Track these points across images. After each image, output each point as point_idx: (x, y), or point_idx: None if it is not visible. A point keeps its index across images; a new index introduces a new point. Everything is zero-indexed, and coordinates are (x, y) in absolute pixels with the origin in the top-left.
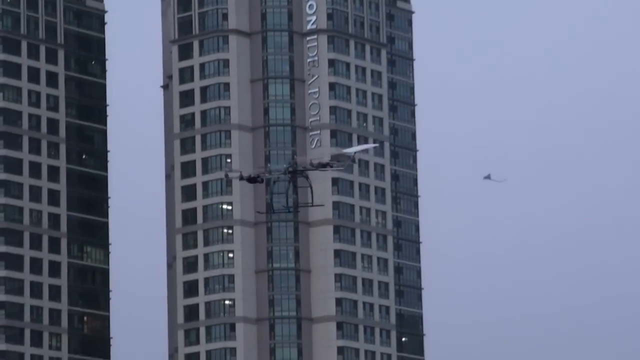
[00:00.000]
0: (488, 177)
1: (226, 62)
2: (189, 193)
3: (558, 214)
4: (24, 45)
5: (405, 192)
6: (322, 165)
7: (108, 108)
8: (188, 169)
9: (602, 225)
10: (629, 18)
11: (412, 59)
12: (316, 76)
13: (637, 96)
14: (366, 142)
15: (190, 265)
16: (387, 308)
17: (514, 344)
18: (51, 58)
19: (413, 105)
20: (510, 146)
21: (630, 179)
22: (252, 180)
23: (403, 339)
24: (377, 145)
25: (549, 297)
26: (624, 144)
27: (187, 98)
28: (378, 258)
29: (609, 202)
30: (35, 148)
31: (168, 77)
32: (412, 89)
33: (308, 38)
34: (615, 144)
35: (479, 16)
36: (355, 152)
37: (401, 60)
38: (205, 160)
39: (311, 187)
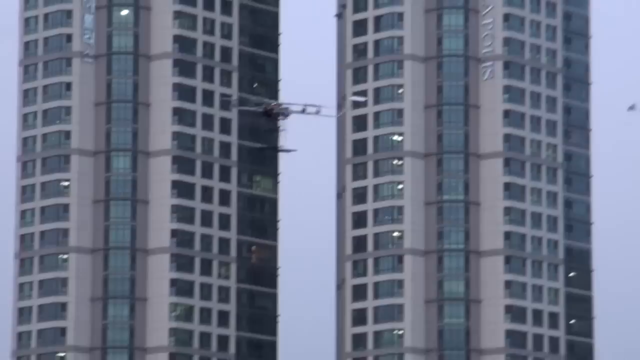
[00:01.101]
0: (633, 107)
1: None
2: (360, 124)
3: None
4: None
5: (577, 125)
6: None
7: (280, 37)
8: (359, 103)
9: None
10: None
11: None
12: (491, 7)
13: None
14: (538, 74)
15: (360, 196)
16: (556, 242)
17: None
18: None
19: (588, 37)
20: None
21: None
22: (265, 114)
23: (571, 274)
24: (364, 99)
25: None
26: None
27: (360, 27)
28: (547, 192)
29: None
30: (208, 76)
31: (342, 6)
32: (587, 21)
33: None
34: None
35: None
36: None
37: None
38: (377, 91)
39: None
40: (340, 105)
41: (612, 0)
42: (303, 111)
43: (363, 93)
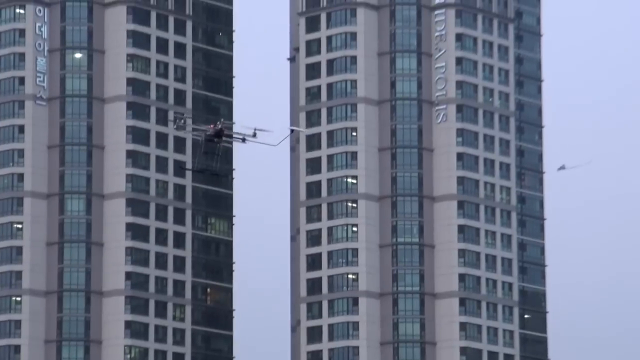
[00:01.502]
0: (562, 167)
1: (354, 35)
2: (314, 167)
3: None
4: (153, 16)
5: (530, 168)
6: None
7: (234, 80)
8: (313, 143)
9: None
10: None
11: (539, 34)
12: (443, 50)
13: None
14: (491, 117)
15: (314, 238)
16: (510, 285)
17: None
18: (179, 29)
19: (540, 80)
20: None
21: None
22: (212, 138)
23: (526, 316)
24: (304, 131)
25: None
26: None
27: (313, 71)
28: (502, 234)
29: None
30: (162, 119)
31: (295, 49)
32: (539, 65)
33: (436, 12)
34: None
35: None
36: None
37: (529, 35)
38: (330, 133)
39: (218, 155)
40: (294, 147)
41: (563, 44)
42: (254, 135)
43: (317, 136)
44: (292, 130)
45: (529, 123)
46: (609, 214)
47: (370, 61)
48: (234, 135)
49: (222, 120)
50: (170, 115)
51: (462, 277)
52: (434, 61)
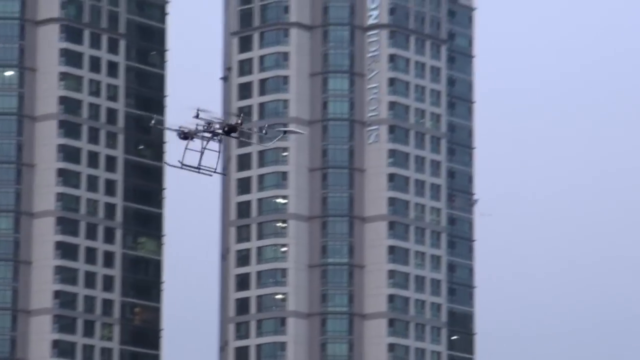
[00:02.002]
0: (476, 201)
1: (286, 55)
2: (244, 187)
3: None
4: (86, 35)
5: (460, 189)
6: (231, 129)
7: (166, 99)
8: (244, 164)
9: None
10: None
11: (472, 56)
12: (376, 71)
13: None
14: (422, 138)
15: (243, 258)
16: (439, 306)
17: (567, 343)
18: (112, 47)
19: (471, 102)
20: (569, 148)
21: None
22: (186, 136)
23: (454, 337)
24: (302, 133)
25: (604, 295)
26: None
27: (245, 90)
28: (431, 255)
29: None
30: (93, 137)
31: (227, 68)
32: (470, 86)
33: (369, 33)
34: None
35: (541, 13)
36: (273, 129)
37: (461, 56)
38: (262, 153)
39: (220, 153)
40: (225, 167)
41: (495, 65)
42: (265, 133)
43: (248, 156)
44: (285, 132)
45: (460, 144)
46: (538, 236)
47: (303, 81)
48: (249, 132)
49: (241, 115)
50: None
51: (391, 298)
52: (367, 82)
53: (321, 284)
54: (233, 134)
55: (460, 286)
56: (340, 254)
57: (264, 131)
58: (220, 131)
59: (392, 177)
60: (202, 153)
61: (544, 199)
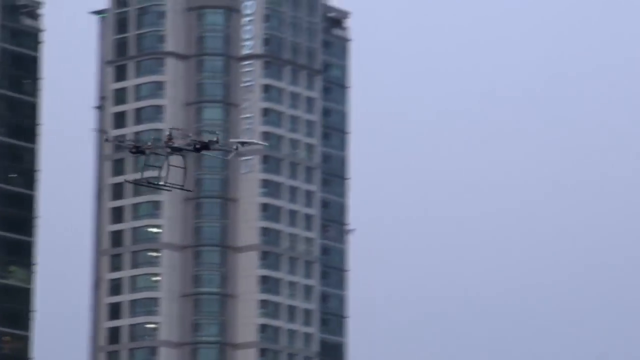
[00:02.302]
0: (351, 231)
1: (161, 85)
2: (117, 215)
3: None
4: None
5: (334, 219)
6: (199, 147)
7: (40, 127)
8: (118, 191)
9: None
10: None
11: (346, 87)
12: (250, 101)
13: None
14: (296, 169)
15: (116, 287)
16: (310, 335)
17: None
18: None
19: (346, 132)
20: (442, 179)
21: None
22: (135, 150)
23: None
24: (264, 144)
25: (475, 321)
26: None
27: (120, 119)
28: (304, 285)
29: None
30: None
31: (102, 98)
32: (345, 117)
33: (244, 63)
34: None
35: (417, 44)
36: (239, 142)
37: (336, 87)
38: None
39: (185, 169)
40: (98, 196)
41: (365, 95)
42: (237, 149)
43: (121, 185)
44: (243, 143)
45: (334, 175)
46: (411, 264)
47: (177, 111)
48: (224, 148)
49: (217, 132)
50: None
51: (262, 328)
52: (241, 112)
53: (193, 314)
54: (205, 151)
55: (332, 316)
56: (212, 283)
57: (235, 147)
58: (190, 148)
59: (265, 207)
60: (167, 169)
61: (416, 228)
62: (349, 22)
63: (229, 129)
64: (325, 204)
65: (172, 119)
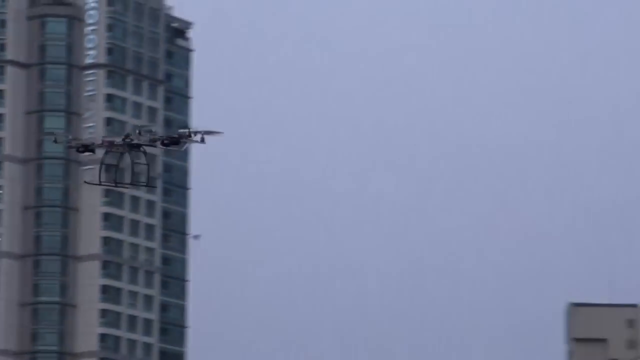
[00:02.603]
0: (197, 237)
1: (2, 93)
2: None
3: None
4: None
5: (174, 229)
6: (163, 142)
7: None
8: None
9: None
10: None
11: (189, 97)
12: (93, 110)
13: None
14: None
15: None
16: (150, 345)
17: None
18: None
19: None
20: (281, 181)
21: None
22: (83, 149)
23: None
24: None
25: (321, 330)
26: None
27: None
28: (144, 295)
29: None
30: None
31: None
32: (187, 125)
33: (86, 72)
34: None
35: (259, 55)
36: (203, 133)
37: (178, 97)
38: None
39: (148, 165)
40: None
41: (212, 107)
42: (202, 140)
43: None
44: (204, 133)
45: (176, 185)
46: (253, 277)
47: (18, 120)
48: (191, 140)
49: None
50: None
51: (102, 337)
52: (83, 121)
53: (32, 323)
54: (174, 146)
55: (173, 326)
56: (52, 292)
57: (201, 137)
58: (154, 144)
59: (106, 217)
60: (131, 167)
61: (255, 237)
62: (191, 33)
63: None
64: (166, 214)
65: (12, 128)
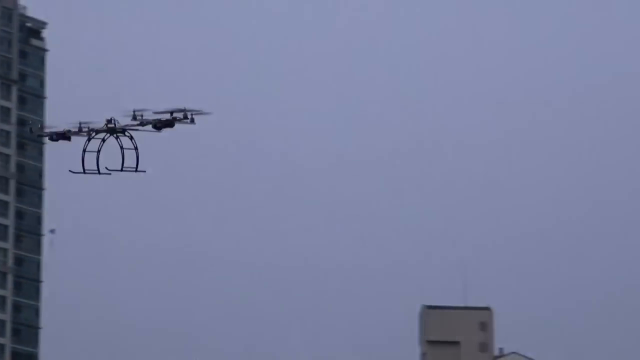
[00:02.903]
0: (52, 231)
1: None
2: None
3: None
4: None
5: (28, 230)
6: (159, 125)
7: None
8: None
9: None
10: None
11: (43, 97)
12: None
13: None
14: None
15: None
16: (3, 346)
17: None
18: None
19: (42, 143)
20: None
21: None
22: (59, 137)
23: None
24: (210, 113)
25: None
26: None
27: None
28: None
29: None
30: None
31: None
32: (42, 125)
33: None
34: None
35: (117, 56)
36: (194, 113)
37: (32, 97)
38: None
39: (137, 150)
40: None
41: (67, 107)
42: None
43: None
44: (196, 113)
45: (30, 185)
46: (106, 275)
47: None
48: (182, 121)
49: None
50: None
51: None
52: None
53: None
54: (168, 128)
55: (26, 327)
56: None
57: (190, 117)
58: (147, 128)
59: None
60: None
61: (110, 240)
62: (46, 33)
63: None
64: (20, 214)
65: None
